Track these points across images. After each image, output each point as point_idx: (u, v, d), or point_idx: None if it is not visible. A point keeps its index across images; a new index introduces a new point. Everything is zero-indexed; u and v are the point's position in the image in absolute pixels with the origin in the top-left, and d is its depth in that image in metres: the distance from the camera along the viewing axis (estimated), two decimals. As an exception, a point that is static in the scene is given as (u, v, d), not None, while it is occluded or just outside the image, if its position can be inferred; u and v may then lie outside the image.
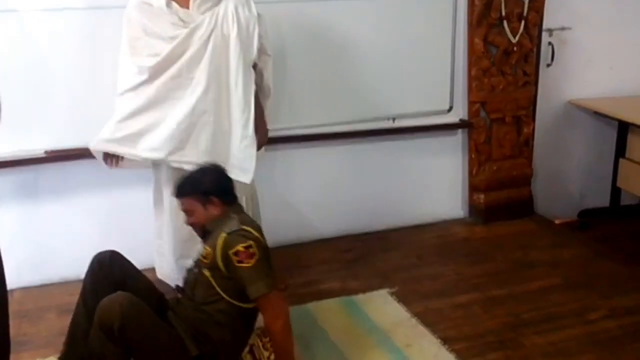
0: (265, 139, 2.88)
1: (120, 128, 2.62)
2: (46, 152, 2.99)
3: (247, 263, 2.09)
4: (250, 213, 2.81)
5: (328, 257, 3.43)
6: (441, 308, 2.87)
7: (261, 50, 2.72)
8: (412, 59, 3.56)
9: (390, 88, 3.56)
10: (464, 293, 3.00)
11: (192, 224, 2.31)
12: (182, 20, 2.59)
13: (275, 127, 3.13)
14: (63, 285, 3.05)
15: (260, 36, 2.67)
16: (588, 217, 4.04)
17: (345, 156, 3.65)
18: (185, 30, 2.57)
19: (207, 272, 2.18)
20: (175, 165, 2.65)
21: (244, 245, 2.10)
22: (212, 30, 2.58)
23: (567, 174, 4.18)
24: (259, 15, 2.68)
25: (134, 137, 2.62)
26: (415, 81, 3.60)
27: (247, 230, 2.14)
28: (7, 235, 3.05)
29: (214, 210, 2.25)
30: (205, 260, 2.19)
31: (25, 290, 3.06)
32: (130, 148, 2.63)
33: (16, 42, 2.89)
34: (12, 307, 2.84)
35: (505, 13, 3.63)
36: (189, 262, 2.84)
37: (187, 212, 2.29)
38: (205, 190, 2.24)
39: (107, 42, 2.92)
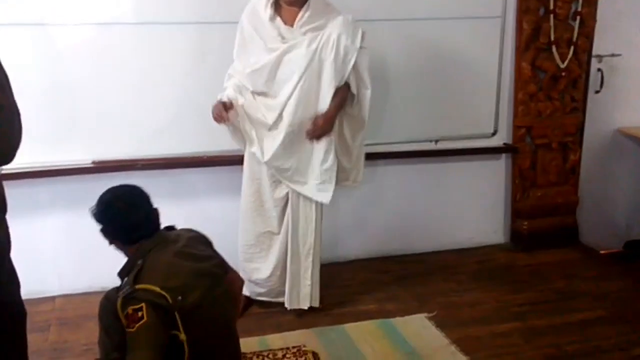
0: None
1: None
2: (94, 162, 3.04)
3: (131, 328, 1.82)
4: (312, 239, 2.86)
5: (366, 278, 3.40)
6: (481, 336, 2.82)
7: (360, 84, 2.75)
8: (457, 81, 3.53)
9: (434, 109, 3.53)
10: (504, 322, 2.94)
11: None
12: (282, 36, 2.64)
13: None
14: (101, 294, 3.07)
15: (358, 69, 2.71)
16: (634, 249, 3.92)
17: (386, 176, 3.63)
18: (284, 46, 2.61)
19: None
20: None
21: (133, 307, 1.83)
22: (311, 52, 2.61)
23: (614, 204, 4.08)
24: (361, 48, 2.68)
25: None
26: (460, 103, 3.57)
27: (142, 291, 1.85)
28: (52, 243, 3.15)
29: (122, 250, 2.04)
30: None
31: (67, 297, 3.12)
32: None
33: (71, 55, 2.96)
34: (54, 314, 2.93)
35: (554, 38, 3.58)
36: (252, 267, 2.91)
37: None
38: (105, 234, 2.03)
39: (157, 56, 3.01)
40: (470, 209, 3.80)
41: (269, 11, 2.64)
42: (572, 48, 3.62)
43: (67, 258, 3.15)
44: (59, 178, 3.01)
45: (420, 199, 3.70)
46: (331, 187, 2.80)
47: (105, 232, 2.03)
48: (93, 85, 3.00)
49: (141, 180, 3.06)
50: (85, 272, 3.18)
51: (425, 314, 2.98)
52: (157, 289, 1.86)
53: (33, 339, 2.69)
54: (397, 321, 2.93)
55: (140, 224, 2.02)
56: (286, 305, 2.94)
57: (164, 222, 2.11)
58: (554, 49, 3.60)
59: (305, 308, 2.94)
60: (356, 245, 3.63)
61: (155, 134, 3.07)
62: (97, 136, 3.05)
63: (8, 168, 2.73)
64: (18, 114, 1.88)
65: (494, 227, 3.88)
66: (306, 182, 2.79)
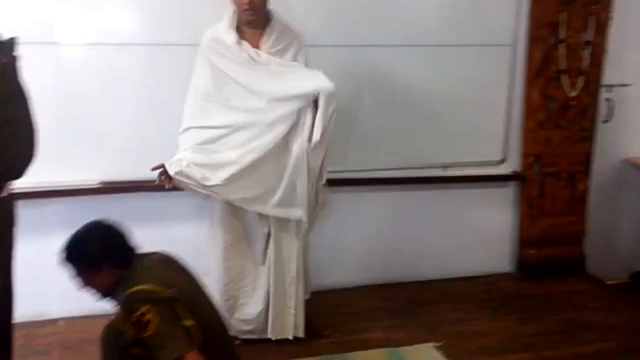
0: None
1: None
2: (101, 182, 3.02)
3: (146, 332, 1.82)
4: (295, 267, 2.82)
5: (372, 305, 3.36)
6: (491, 367, 2.77)
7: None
8: (466, 108, 3.53)
9: (442, 136, 3.53)
10: (514, 352, 2.89)
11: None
12: (252, 59, 2.64)
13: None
14: (106, 317, 3.02)
15: None
16: (641, 280, 3.89)
17: (393, 202, 3.60)
18: (255, 67, 2.63)
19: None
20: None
21: (137, 314, 1.84)
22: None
23: (620, 234, 4.05)
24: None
25: None
26: (469, 130, 3.56)
27: (137, 294, 1.88)
28: (55, 264, 3.09)
29: (109, 277, 2.01)
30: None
31: (70, 320, 3.07)
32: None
33: (80, 75, 2.96)
34: (56, 337, 2.86)
35: (565, 67, 3.58)
36: (240, 303, 2.83)
37: (78, 281, 2.06)
38: (94, 262, 2.01)
39: (167, 76, 3.01)
40: (478, 236, 3.77)
41: (232, 36, 2.63)
42: (582, 77, 3.62)
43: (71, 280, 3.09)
44: (65, 198, 2.98)
45: (428, 225, 3.66)
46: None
47: (102, 259, 2.00)
48: (101, 106, 2.99)
49: (149, 202, 3.09)
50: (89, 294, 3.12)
51: (433, 343, 2.93)
52: (152, 287, 1.88)
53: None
54: (405, 350, 2.88)
55: (125, 243, 2.07)
56: (269, 335, 2.87)
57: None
58: (563, 77, 3.60)
59: (290, 338, 2.88)
60: (362, 271, 3.58)
61: (164, 156, 3.03)
62: (105, 157, 3.03)
63: (16, 187, 2.72)
64: (31, 129, 1.88)
65: (500, 256, 3.84)
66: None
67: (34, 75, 2.75)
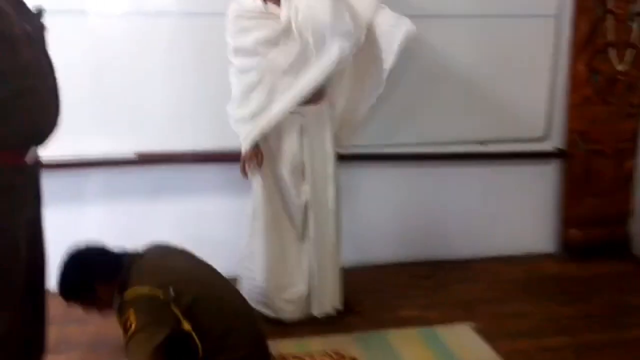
0: None
1: None
2: (137, 154, 3.01)
3: (125, 338, 1.87)
4: (333, 242, 2.79)
5: (408, 283, 3.30)
6: (529, 350, 2.67)
7: None
8: (507, 82, 3.41)
9: (481, 110, 3.42)
10: (554, 335, 2.79)
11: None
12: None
13: (360, 144, 3.11)
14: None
15: None
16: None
17: (430, 179, 3.52)
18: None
19: None
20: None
21: (124, 318, 1.89)
22: None
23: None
24: None
25: None
26: (510, 105, 3.44)
27: (127, 299, 1.91)
28: (91, 233, 3.11)
29: (107, 292, 2.01)
30: None
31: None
32: None
33: (115, 46, 2.95)
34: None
35: (613, 39, 3.42)
36: (284, 283, 2.82)
37: (88, 311, 2.11)
38: (84, 289, 2.03)
39: (204, 47, 2.98)
40: (518, 215, 3.66)
41: (258, 3, 2.63)
42: (631, 50, 3.46)
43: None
44: (101, 169, 2.99)
45: (466, 202, 3.57)
46: None
47: (94, 281, 2.02)
48: (136, 77, 2.98)
49: (183, 174, 3.08)
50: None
51: (470, 324, 2.85)
52: (146, 290, 1.89)
53: (71, 332, 2.73)
54: (440, 329, 2.81)
55: (105, 255, 2.07)
56: (313, 312, 2.85)
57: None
58: (611, 51, 3.44)
59: (333, 313, 2.86)
60: (397, 248, 3.53)
61: (199, 127, 3.02)
62: (141, 128, 3.03)
63: (52, 158, 2.74)
64: (54, 98, 1.91)
65: (542, 235, 3.73)
66: None
67: (69, 46, 2.81)
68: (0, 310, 1.84)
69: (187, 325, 1.91)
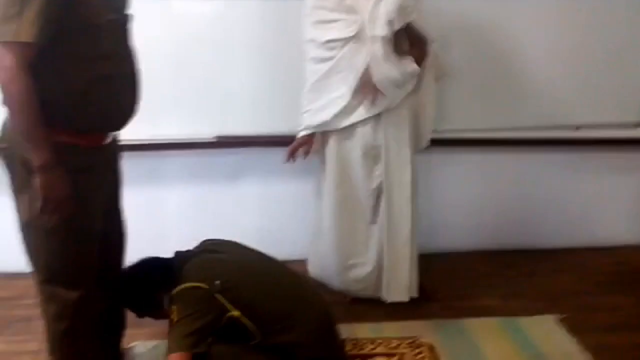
0: None
1: None
2: (217, 137, 3.05)
3: (169, 328, 2.01)
4: (408, 227, 2.75)
5: (488, 271, 3.20)
6: (618, 345, 2.54)
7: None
8: (604, 63, 3.21)
9: (575, 93, 3.23)
10: (644, 331, 2.64)
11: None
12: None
13: (442, 129, 3.02)
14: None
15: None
16: None
17: (517, 164, 3.38)
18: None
19: None
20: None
21: (170, 312, 2.03)
22: None
23: None
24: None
25: None
26: (606, 88, 3.23)
27: (173, 295, 2.03)
28: (175, 215, 3.21)
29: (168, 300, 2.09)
30: None
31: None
32: None
33: (195, 29, 2.97)
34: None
35: None
36: (350, 263, 2.80)
37: (156, 319, 2.21)
38: (148, 305, 2.15)
39: (284, 33, 2.95)
40: (611, 204, 3.47)
41: None
42: None
43: (187, 229, 3.18)
44: (181, 151, 3.06)
45: (555, 190, 3.41)
46: None
47: (151, 295, 2.13)
48: (216, 60, 3.00)
49: (260, 158, 3.11)
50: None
51: (555, 315, 2.74)
52: (189, 284, 2.01)
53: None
54: (523, 321, 2.71)
55: (160, 269, 2.15)
56: (384, 297, 2.82)
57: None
58: None
59: (406, 300, 2.80)
60: (480, 235, 3.42)
61: (278, 110, 3.03)
62: (220, 111, 3.05)
63: (134, 139, 2.82)
64: (133, 86, 1.95)
65: (634, 227, 3.51)
66: None
67: (151, 29, 2.86)
68: (75, 287, 1.90)
69: (235, 312, 2.02)
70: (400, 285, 2.80)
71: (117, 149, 2.07)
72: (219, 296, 2.01)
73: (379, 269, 2.80)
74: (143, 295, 2.15)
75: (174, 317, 1.99)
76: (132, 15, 1.94)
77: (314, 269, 2.97)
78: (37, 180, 1.72)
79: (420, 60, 2.64)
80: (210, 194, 3.21)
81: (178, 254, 2.20)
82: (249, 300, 2.06)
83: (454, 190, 3.36)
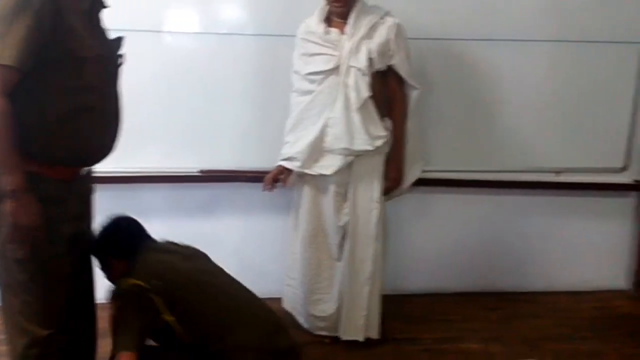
0: None
1: None
2: (201, 171, 3.04)
3: (111, 323, 2.03)
4: (370, 267, 2.74)
5: (470, 314, 3.19)
6: (598, 393, 2.54)
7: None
8: (585, 109, 3.27)
9: (556, 138, 3.29)
10: (625, 379, 2.64)
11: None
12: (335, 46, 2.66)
13: (428, 169, 3.04)
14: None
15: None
16: None
17: (498, 207, 3.39)
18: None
19: None
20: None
21: (110, 306, 2.05)
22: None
23: None
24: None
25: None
26: (587, 134, 3.29)
27: (119, 287, 2.06)
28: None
29: (117, 267, 2.15)
30: None
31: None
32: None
33: (185, 63, 2.99)
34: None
35: (703, 66, 3.23)
36: (315, 298, 2.79)
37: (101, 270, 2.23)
38: (102, 253, 2.17)
39: (271, 67, 2.99)
40: (590, 249, 3.49)
41: (321, 27, 2.66)
42: None
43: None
44: (165, 184, 3.04)
45: (535, 233, 3.43)
46: None
47: (107, 252, 2.16)
48: (204, 95, 3.02)
49: (246, 191, 3.10)
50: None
51: (535, 361, 2.74)
52: (132, 281, 2.02)
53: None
54: (502, 365, 2.71)
55: (129, 236, 2.19)
56: (339, 334, 2.80)
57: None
58: (699, 79, 3.25)
59: (360, 340, 2.78)
60: (460, 277, 3.41)
61: (264, 146, 3.03)
62: (207, 145, 3.06)
63: (118, 171, 2.81)
64: (113, 120, 1.93)
65: (615, 271, 3.53)
66: None
67: (140, 61, 2.85)
68: (45, 323, 1.85)
69: (168, 316, 2.02)
70: (356, 324, 2.78)
71: (91, 181, 2.04)
72: (156, 297, 2.00)
73: (340, 307, 2.79)
74: (102, 247, 2.17)
75: (115, 313, 2.00)
76: (123, 55, 1.93)
77: (287, 304, 2.96)
78: (6, 206, 1.68)
79: (399, 120, 2.73)
80: (189, 227, 3.16)
81: (148, 242, 2.23)
82: (185, 306, 2.05)
83: (434, 232, 3.36)
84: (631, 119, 3.31)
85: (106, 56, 1.86)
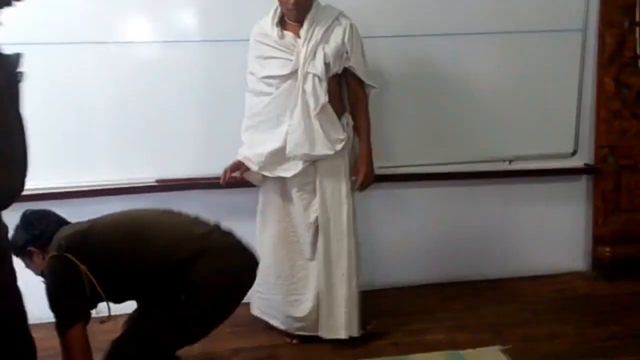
0: None
1: None
2: (157, 180, 3.02)
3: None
4: (346, 263, 2.74)
5: (434, 305, 3.23)
6: (561, 373, 2.60)
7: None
8: (533, 98, 3.35)
9: (507, 128, 3.37)
10: (587, 357, 2.69)
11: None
12: (291, 50, 2.65)
13: (384, 165, 3.06)
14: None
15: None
16: None
17: (455, 198, 3.46)
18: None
19: None
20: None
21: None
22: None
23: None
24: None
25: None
26: (537, 121, 3.38)
27: (45, 268, 2.18)
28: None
29: (40, 259, 2.26)
30: None
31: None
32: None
33: (134, 73, 2.97)
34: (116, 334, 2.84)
35: (641, 52, 3.35)
36: (292, 299, 2.77)
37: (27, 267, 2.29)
38: (20, 247, 2.23)
39: (223, 73, 3.00)
40: (547, 233, 3.58)
41: (275, 30, 2.66)
42: (660, 63, 3.38)
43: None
44: (121, 196, 2.99)
45: (493, 222, 3.51)
46: None
47: (25, 244, 2.24)
48: (157, 103, 3.00)
49: (202, 200, 3.08)
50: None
51: (500, 347, 2.77)
52: (49, 255, 2.17)
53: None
54: (469, 353, 2.73)
55: (46, 226, 2.28)
56: (321, 334, 2.79)
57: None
58: (640, 63, 3.37)
59: (343, 338, 2.77)
60: (423, 269, 3.46)
61: (220, 153, 3.01)
62: (161, 154, 3.04)
63: (72, 186, 2.75)
64: (20, 161, 1.54)
65: (572, 254, 3.63)
66: None
67: (89, 74, 2.84)
68: None
69: (82, 266, 2.12)
70: (337, 323, 2.77)
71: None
72: (68, 255, 2.11)
73: (318, 306, 2.78)
74: (21, 241, 2.23)
75: (46, 292, 2.11)
76: (23, 74, 1.54)
77: (257, 309, 2.94)
78: None
79: (364, 117, 2.76)
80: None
81: (64, 225, 2.32)
82: (94, 252, 2.17)
83: (395, 226, 3.40)
84: (578, 104, 3.41)
85: (7, 85, 1.51)
